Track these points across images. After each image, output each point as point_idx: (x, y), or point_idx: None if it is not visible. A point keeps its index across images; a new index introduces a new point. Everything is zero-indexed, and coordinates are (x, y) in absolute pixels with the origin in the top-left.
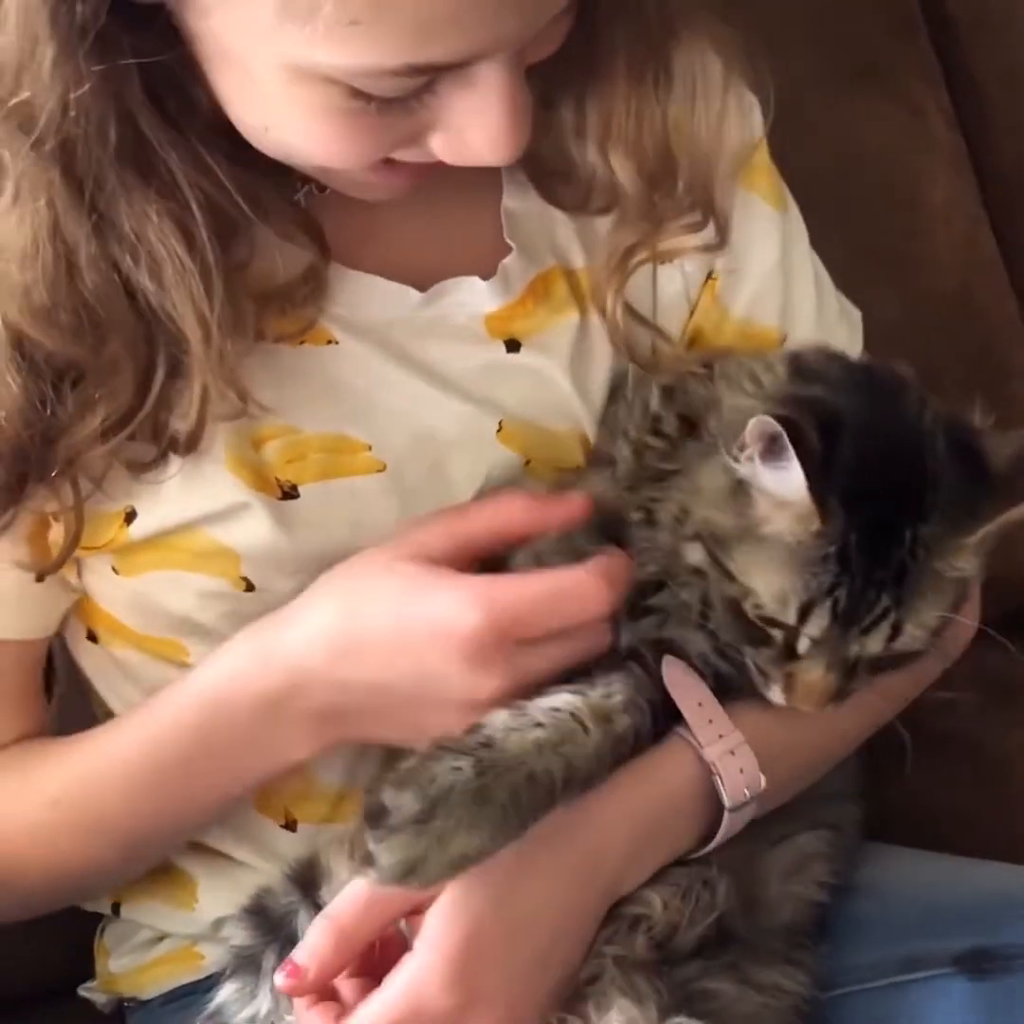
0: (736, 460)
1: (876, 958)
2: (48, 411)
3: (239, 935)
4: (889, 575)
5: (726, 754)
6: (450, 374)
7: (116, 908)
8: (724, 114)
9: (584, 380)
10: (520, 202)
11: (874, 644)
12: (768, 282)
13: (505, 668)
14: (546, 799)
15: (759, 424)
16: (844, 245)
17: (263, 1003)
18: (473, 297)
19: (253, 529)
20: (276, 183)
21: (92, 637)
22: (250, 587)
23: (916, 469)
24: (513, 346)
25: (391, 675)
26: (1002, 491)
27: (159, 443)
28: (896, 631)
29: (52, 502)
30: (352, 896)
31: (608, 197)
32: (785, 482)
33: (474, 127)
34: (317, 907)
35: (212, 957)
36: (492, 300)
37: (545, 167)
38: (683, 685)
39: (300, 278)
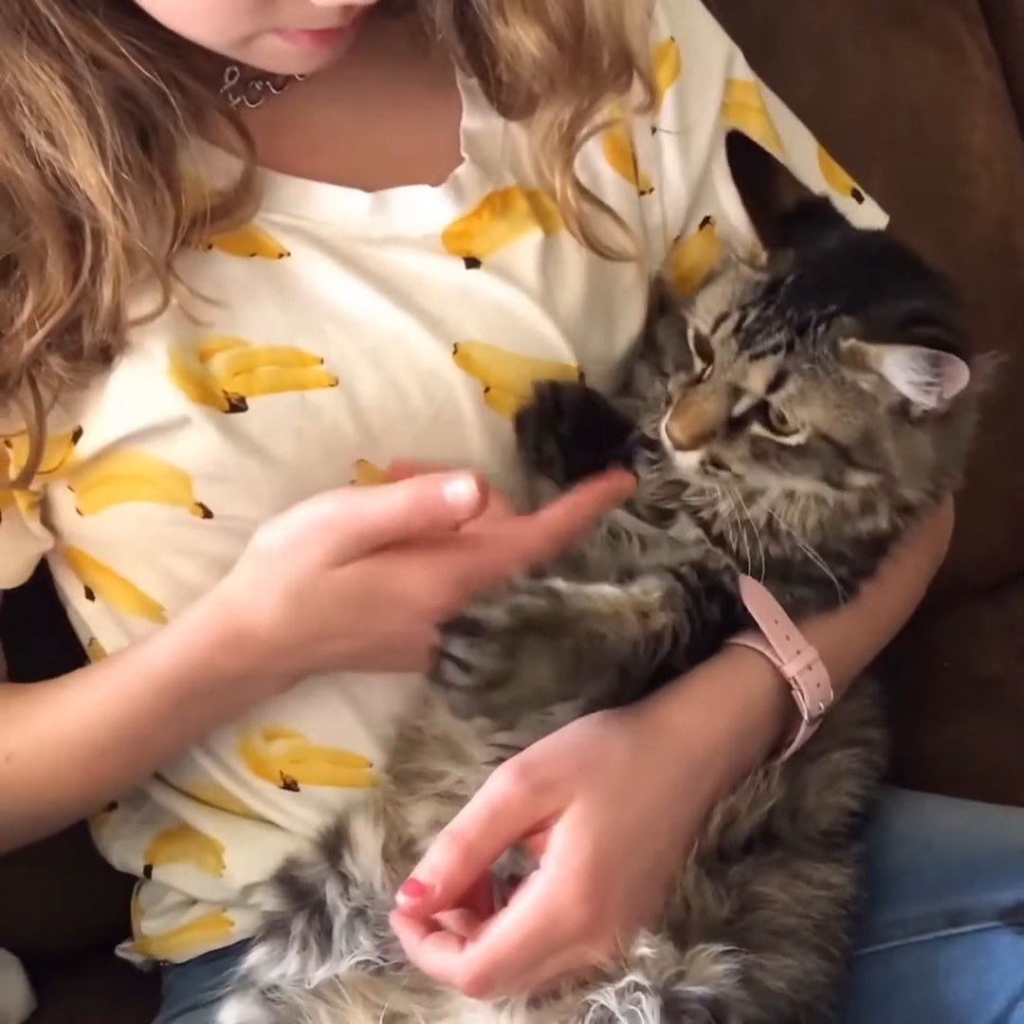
0: None
1: (921, 912)
2: None
3: (270, 901)
4: (796, 324)
5: (805, 669)
6: (405, 288)
7: (148, 870)
8: None
9: (553, 302)
10: (481, 123)
11: (756, 379)
12: None
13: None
14: (600, 664)
15: None
16: (882, 187)
17: (290, 965)
18: (426, 208)
19: (198, 443)
20: (215, 87)
21: (90, 595)
22: (208, 513)
23: (868, 277)
24: (472, 263)
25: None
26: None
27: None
28: (780, 380)
29: (13, 415)
30: (477, 811)
31: (528, 82)
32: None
33: None
34: (342, 876)
35: (241, 923)
36: (445, 210)
37: (495, 79)
38: (759, 602)
39: (231, 184)
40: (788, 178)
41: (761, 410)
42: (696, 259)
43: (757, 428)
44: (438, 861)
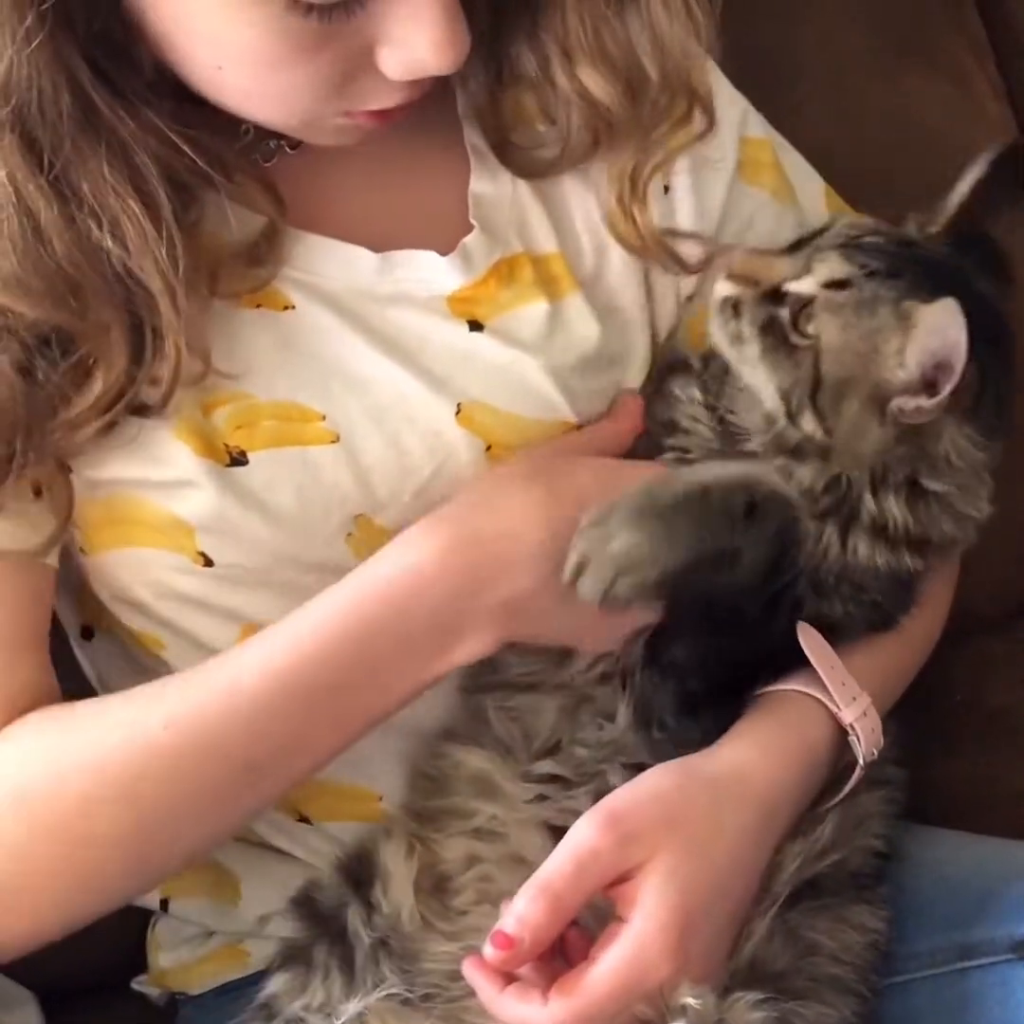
0: None
1: (935, 945)
2: (41, 380)
3: (287, 926)
4: (888, 272)
5: (861, 715)
6: (410, 348)
7: (165, 904)
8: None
9: (556, 364)
10: (489, 186)
11: (826, 269)
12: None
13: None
14: (726, 524)
15: None
16: (894, 219)
17: (315, 995)
18: (433, 273)
19: (200, 496)
20: (231, 144)
21: (87, 634)
22: (209, 562)
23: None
24: (476, 326)
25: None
26: None
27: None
28: (839, 286)
29: (43, 471)
30: (563, 862)
31: (591, 129)
32: None
33: (416, 28)
34: (369, 905)
35: (258, 954)
36: (452, 278)
37: (521, 141)
38: (817, 648)
39: (256, 238)
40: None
41: (798, 304)
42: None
43: (783, 312)
44: (526, 913)
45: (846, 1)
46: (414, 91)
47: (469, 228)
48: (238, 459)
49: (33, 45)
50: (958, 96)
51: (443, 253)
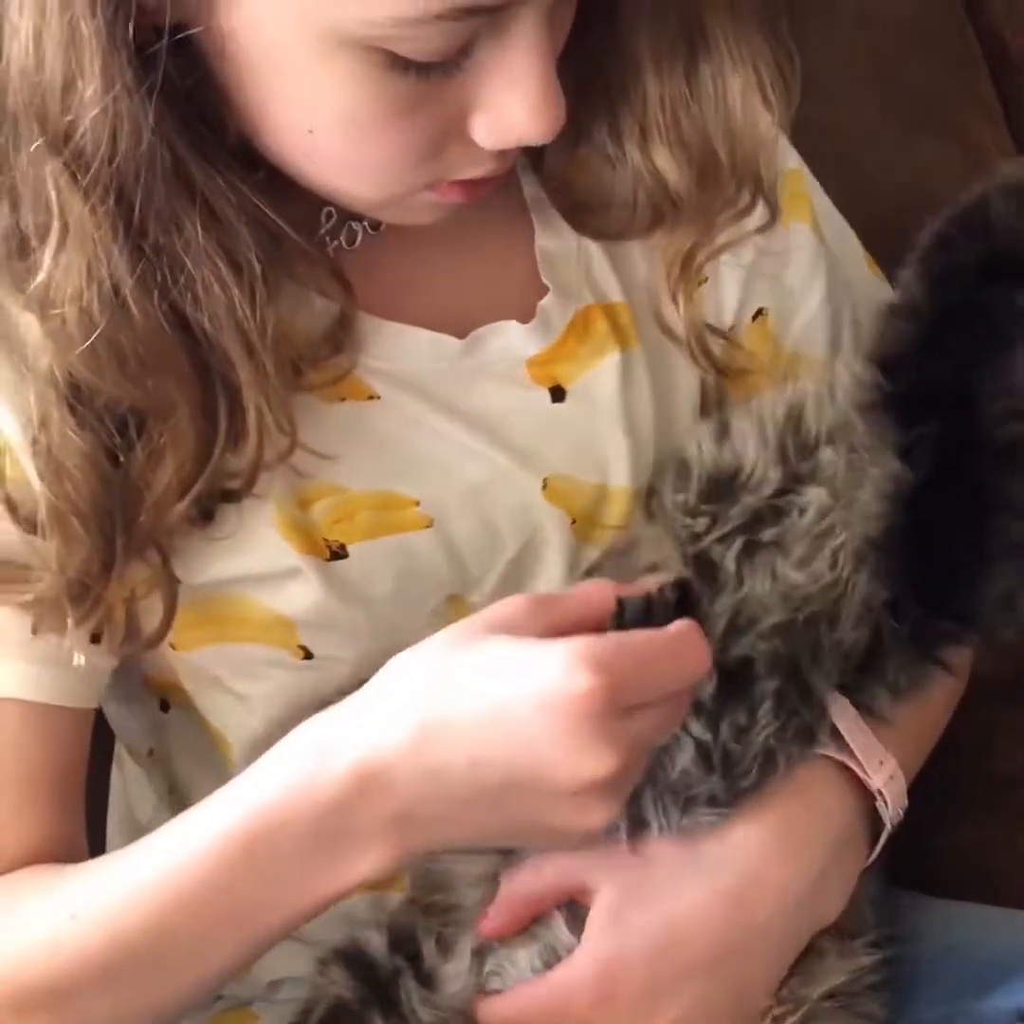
0: None
1: (939, 1015)
2: (121, 462)
3: (338, 980)
4: None
5: (888, 780)
6: (495, 425)
7: None
8: (754, 87)
9: (633, 423)
10: (554, 241)
11: None
12: (818, 312)
13: (619, 739)
14: None
15: None
16: None
17: None
18: (513, 341)
19: (304, 594)
20: (304, 231)
21: (164, 706)
22: (308, 655)
23: None
24: (558, 394)
25: (487, 760)
26: None
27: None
28: None
29: (142, 571)
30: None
31: (655, 208)
32: None
33: (514, 94)
34: (426, 978)
35: (267, 1019)
36: (533, 343)
37: (587, 201)
38: (843, 714)
39: (331, 326)
40: None
41: None
42: (749, 353)
43: None
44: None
45: (857, 73)
46: (503, 162)
47: (541, 285)
48: (338, 553)
49: (132, 105)
50: (972, 165)
51: (519, 316)
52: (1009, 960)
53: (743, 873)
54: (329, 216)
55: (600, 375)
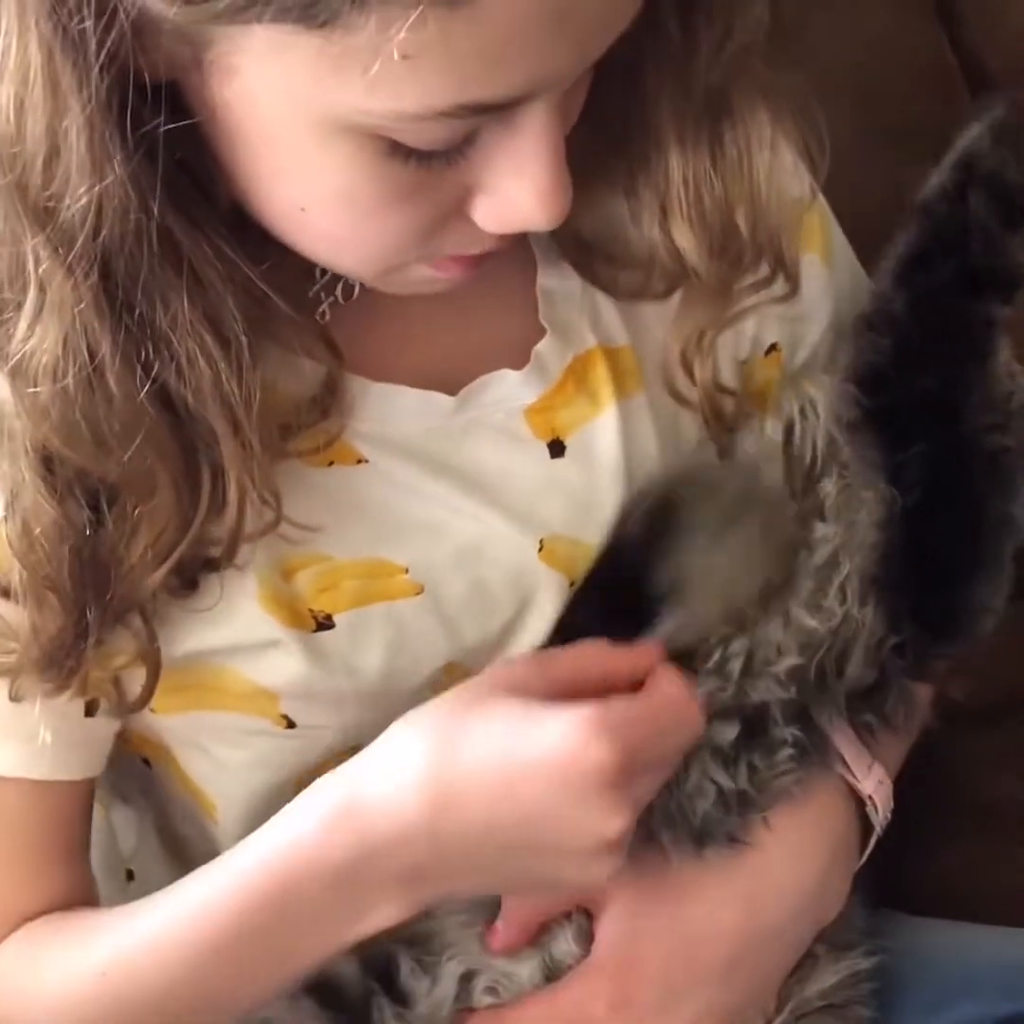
0: None
1: None
2: (90, 534)
3: (307, 1009)
4: None
5: (877, 785)
6: (489, 484)
7: None
8: (778, 163)
9: (635, 476)
10: (557, 281)
11: None
12: (821, 341)
13: (628, 802)
14: None
15: None
16: None
17: None
18: (509, 390)
19: (287, 665)
20: (296, 287)
21: (146, 762)
22: (291, 724)
23: None
24: (557, 449)
25: (501, 824)
26: None
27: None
28: None
29: (123, 637)
30: None
31: (671, 278)
32: None
33: (520, 181)
34: (400, 996)
35: None
36: (530, 390)
37: (596, 252)
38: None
39: (318, 394)
40: None
41: None
42: (760, 384)
43: None
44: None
45: (843, 92)
46: (505, 240)
47: (539, 328)
48: (324, 624)
49: (122, 179)
50: None
51: (515, 362)
52: (986, 972)
53: (754, 876)
54: (324, 271)
55: (599, 429)
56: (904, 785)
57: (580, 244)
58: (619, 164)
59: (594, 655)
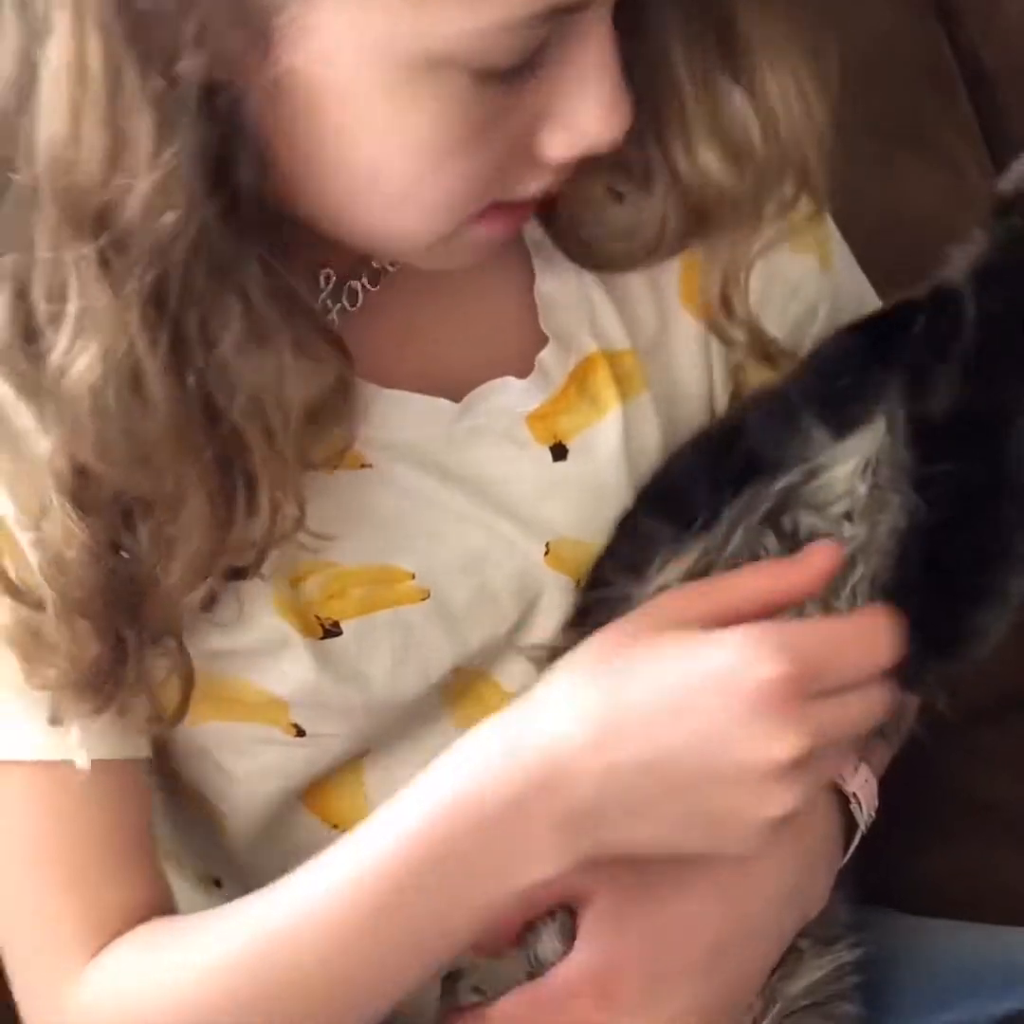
0: None
1: None
2: (126, 554)
3: None
4: None
5: (863, 783)
6: (493, 489)
7: None
8: (792, 84)
9: (639, 477)
10: (555, 284)
11: None
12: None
13: (804, 722)
14: None
15: None
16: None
17: None
18: (512, 398)
19: (296, 673)
20: (305, 298)
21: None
22: (301, 732)
23: None
24: (559, 452)
25: (669, 750)
26: None
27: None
28: None
29: (159, 659)
30: None
31: (701, 211)
32: None
33: (583, 98)
34: None
35: None
36: (532, 398)
37: (598, 235)
38: None
39: (329, 398)
40: None
41: None
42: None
43: None
44: None
45: (839, 95)
46: (560, 175)
47: (541, 336)
48: (332, 631)
49: (181, 180)
50: (953, 184)
51: (518, 370)
52: (984, 971)
53: (736, 872)
54: (328, 279)
55: (602, 432)
56: (902, 785)
57: (572, 228)
58: (642, 107)
59: (760, 573)
